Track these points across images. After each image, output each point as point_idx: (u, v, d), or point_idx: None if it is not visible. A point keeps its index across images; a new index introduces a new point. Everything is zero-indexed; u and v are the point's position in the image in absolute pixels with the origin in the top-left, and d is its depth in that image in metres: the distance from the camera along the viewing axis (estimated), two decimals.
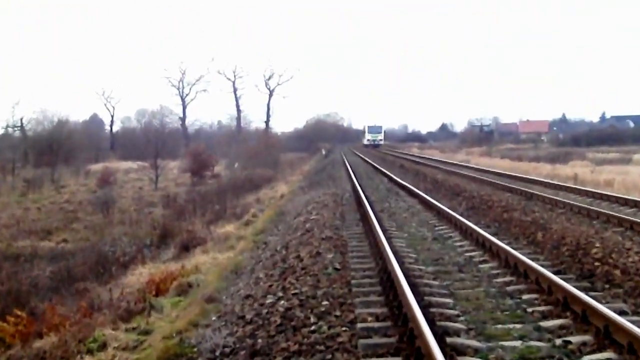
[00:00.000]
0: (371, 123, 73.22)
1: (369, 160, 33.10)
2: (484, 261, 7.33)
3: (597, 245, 7.45)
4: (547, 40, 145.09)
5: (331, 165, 31.88)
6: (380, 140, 68.15)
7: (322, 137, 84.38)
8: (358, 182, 17.83)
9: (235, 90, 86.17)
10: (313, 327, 4.84)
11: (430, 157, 39.28)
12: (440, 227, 10.13)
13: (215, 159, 49.76)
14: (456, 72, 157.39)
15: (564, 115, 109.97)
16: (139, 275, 12.47)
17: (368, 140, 67.87)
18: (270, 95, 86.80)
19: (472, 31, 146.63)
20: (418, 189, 15.68)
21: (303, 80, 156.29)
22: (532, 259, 6.84)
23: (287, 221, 13.04)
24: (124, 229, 25.09)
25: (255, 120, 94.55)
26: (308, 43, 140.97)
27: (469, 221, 9.78)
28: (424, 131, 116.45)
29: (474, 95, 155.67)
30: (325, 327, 4.82)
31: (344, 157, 38.85)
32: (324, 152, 55.97)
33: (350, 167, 26.87)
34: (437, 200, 12.91)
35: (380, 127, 71.04)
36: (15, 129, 59.55)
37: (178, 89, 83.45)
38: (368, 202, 12.53)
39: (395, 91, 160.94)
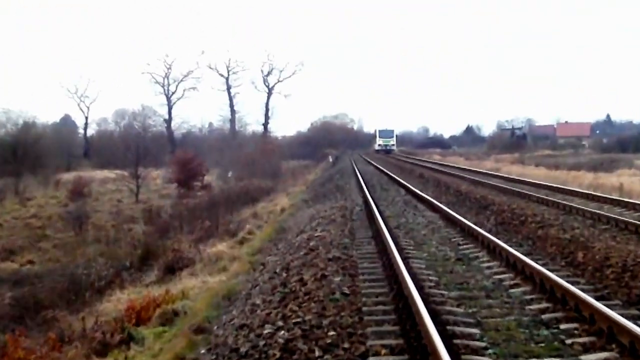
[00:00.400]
0: (382, 127, 75.25)
1: (384, 169, 33.16)
2: (516, 285, 7.31)
3: None
4: (587, 35, 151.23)
5: (339, 175, 32.06)
6: (393, 145, 70.50)
7: (329, 141, 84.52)
8: (370, 194, 17.99)
9: (229, 88, 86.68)
10: None
11: (453, 164, 39.22)
12: (465, 246, 10.16)
13: (205, 168, 49.92)
14: (483, 70, 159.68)
15: (608, 117, 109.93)
16: (117, 302, 12.52)
17: (379, 145, 70.18)
18: (269, 93, 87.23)
19: (499, 26, 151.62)
20: (439, 202, 15.75)
21: (307, 77, 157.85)
22: (572, 283, 6.83)
23: (288, 239, 13.11)
24: (100, 248, 25.17)
25: (252, 123, 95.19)
26: (310, 39, 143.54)
27: (498, 239, 9.80)
28: (446, 135, 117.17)
29: (504, 94, 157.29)
30: None
31: (354, 165, 38.91)
32: (331, 160, 56.17)
33: (362, 176, 27.13)
34: (461, 215, 12.97)
35: (392, 131, 73.23)
36: None
37: (163, 86, 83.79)
38: (382, 217, 12.62)
39: (414, 91, 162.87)
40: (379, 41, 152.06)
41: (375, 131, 75.05)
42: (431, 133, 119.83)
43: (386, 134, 71.82)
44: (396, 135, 75.48)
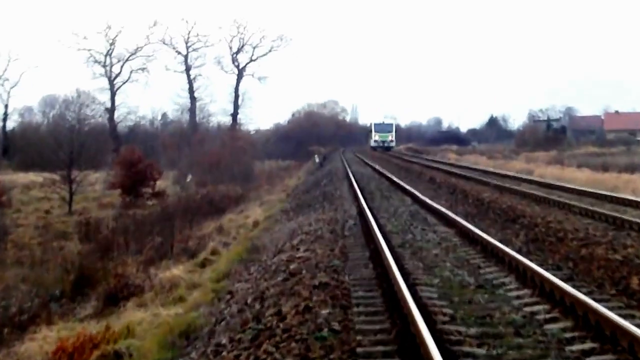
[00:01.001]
0: (379, 119, 78.86)
1: (384, 171, 33.42)
2: (553, 320, 7.35)
3: None
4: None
5: (328, 179, 32.34)
6: (391, 141, 73.83)
7: (315, 137, 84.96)
8: (367, 204, 18.16)
9: (188, 68, 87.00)
10: None
11: (473, 166, 39.53)
12: (488, 269, 10.27)
13: (157, 170, 49.79)
14: (510, 48, 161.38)
15: None
16: (43, 341, 12.38)
17: (375, 141, 73.56)
18: (240, 76, 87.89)
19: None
20: (455, 214, 15.96)
21: (288, 56, 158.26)
22: (624, 317, 6.86)
23: (262, 261, 13.20)
24: (22, 272, 24.90)
25: (217, 113, 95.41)
26: (292, 7, 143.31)
27: (530, 260, 9.88)
28: (464, 128, 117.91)
29: (536, 78, 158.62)
30: None
31: (347, 166, 39.30)
32: (317, 160, 56.77)
33: (356, 181, 27.40)
34: (483, 230, 13.12)
35: (391, 124, 76.99)
36: None
37: (104, 66, 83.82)
38: (382, 232, 12.74)
39: (422, 75, 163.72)
40: (380, 12, 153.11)
41: (371, 125, 77.57)
42: (445, 125, 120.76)
43: (383, 127, 74.75)
44: (396, 129, 78.49)
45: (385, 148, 71.47)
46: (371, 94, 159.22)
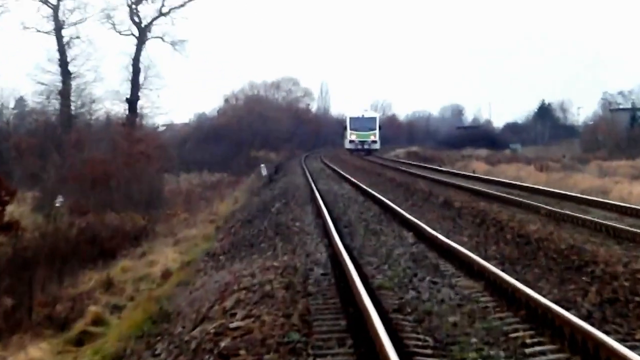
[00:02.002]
0: (357, 112, 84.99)
1: (371, 190, 33.52)
2: None
3: None
4: None
5: (283, 201, 32.82)
6: (373, 141, 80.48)
7: (262, 135, 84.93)
8: (344, 242, 18.39)
9: (58, 27, 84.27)
10: None
11: (513, 182, 39.72)
12: (540, 348, 10.15)
13: (7, 189, 49.02)
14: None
15: None
16: None
17: (351, 142, 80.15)
18: (142, 39, 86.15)
19: None
20: (484, 258, 16.18)
21: (219, 12, 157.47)
22: None
23: (176, 335, 13.39)
24: None
25: (106, 97, 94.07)
26: None
27: (606, 333, 9.82)
28: (499, 121, 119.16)
29: (612, 47, 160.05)
30: None
31: (312, 182, 39.93)
32: (265, 172, 57.38)
33: (326, 204, 27.94)
34: (529, 284, 13.18)
35: (373, 119, 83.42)
36: None
37: None
38: (367, 287, 12.84)
39: (431, 48, 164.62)
40: None
41: (346, 119, 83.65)
42: (468, 118, 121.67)
43: (363, 124, 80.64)
44: (379, 126, 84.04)
45: (365, 151, 75.99)
46: (349, 73, 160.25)
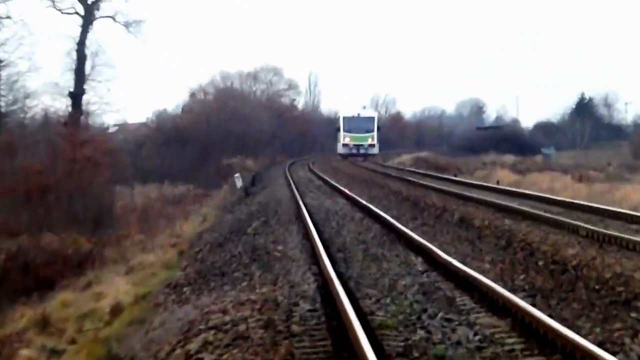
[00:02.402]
0: (352, 110, 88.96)
1: (370, 206, 33.56)
2: None
3: None
4: None
5: (261, 220, 32.75)
6: (371, 145, 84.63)
7: (236, 138, 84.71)
8: (336, 270, 18.35)
9: None
10: None
11: (545, 193, 39.87)
12: None
13: None
14: None
15: None
16: None
17: (345, 145, 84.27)
18: (89, 19, 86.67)
19: None
20: (510, 290, 16.10)
21: None
22: None
23: None
24: None
25: (43, 91, 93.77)
26: None
27: None
28: (528, 120, 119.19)
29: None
30: None
31: (298, 195, 40.46)
32: (240, 183, 57.61)
33: (315, 223, 28.05)
34: (565, 322, 13.30)
35: (371, 118, 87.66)
36: None
37: None
38: (365, 327, 12.74)
39: (441, 32, 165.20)
40: None
41: (339, 119, 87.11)
42: (490, 116, 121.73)
43: (358, 124, 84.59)
44: (379, 127, 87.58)
45: (361, 156, 79.49)
46: (343, 62, 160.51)
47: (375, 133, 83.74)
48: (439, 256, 20.16)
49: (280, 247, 24.32)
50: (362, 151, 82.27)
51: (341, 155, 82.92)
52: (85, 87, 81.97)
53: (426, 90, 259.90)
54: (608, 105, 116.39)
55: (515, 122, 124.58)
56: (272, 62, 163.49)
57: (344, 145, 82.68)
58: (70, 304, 26.82)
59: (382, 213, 30.64)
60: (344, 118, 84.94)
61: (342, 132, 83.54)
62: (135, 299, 24.25)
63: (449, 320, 14.33)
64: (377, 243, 24.55)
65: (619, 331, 13.18)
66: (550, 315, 13.34)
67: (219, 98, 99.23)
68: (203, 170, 72.43)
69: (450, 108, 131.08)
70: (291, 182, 51.70)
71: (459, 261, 19.05)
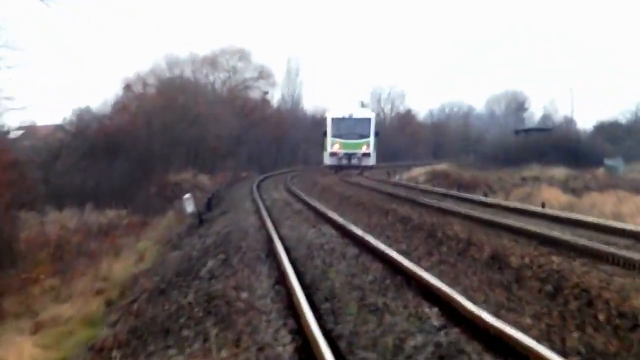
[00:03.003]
0: (343, 110, 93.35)
1: (369, 239, 33.43)
2: None
3: None
4: None
5: (219, 256, 32.89)
6: (365, 154, 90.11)
7: (188, 144, 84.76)
8: (322, 326, 18.21)
9: None
10: None
11: (609, 221, 39.62)
12: None
13: None
14: None
15: None
16: None
17: (333, 154, 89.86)
18: None
19: None
20: (559, 352, 16.03)
21: None
22: None
23: None
24: None
25: None
26: None
27: None
28: (585, 121, 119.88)
29: None
30: None
31: (270, 221, 41.25)
32: (191, 208, 59.64)
33: (293, 262, 27.86)
34: None
35: (367, 120, 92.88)
36: None
37: None
38: None
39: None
40: None
41: (327, 121, 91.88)
42: (536, 115, 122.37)
43: (350, 127, 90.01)
44: (377, 131, 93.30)
45: (354, 167, 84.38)
46: (332, 44, 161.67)
47: (371, 139, 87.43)
48: (463, 307, 19.59)
49: (245, 295, 23.83)
50: (354, 161, 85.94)
51: (329, 167, 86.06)
52: None
53: (446, 83, 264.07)
54: None
55: (570, 122, 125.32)
56: (236, 44, 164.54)
57: (332, 154, 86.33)
58: None
59: (384, 248, 30.34)
60: (332, 120, 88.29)
61: (329, 138, 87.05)
62: None
63: None
64: (377, 289, 24.03)
65: None
66: None
67: (163, 91, 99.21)
68: (140, 190, 71.92)
69: (479, 104, 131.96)
70: (260, 205, 51.67)
71: (489, 313, 18.88)
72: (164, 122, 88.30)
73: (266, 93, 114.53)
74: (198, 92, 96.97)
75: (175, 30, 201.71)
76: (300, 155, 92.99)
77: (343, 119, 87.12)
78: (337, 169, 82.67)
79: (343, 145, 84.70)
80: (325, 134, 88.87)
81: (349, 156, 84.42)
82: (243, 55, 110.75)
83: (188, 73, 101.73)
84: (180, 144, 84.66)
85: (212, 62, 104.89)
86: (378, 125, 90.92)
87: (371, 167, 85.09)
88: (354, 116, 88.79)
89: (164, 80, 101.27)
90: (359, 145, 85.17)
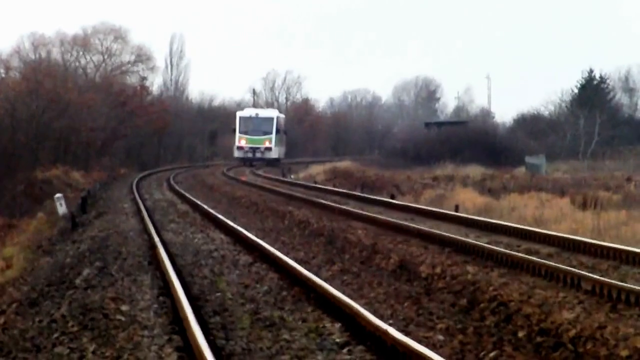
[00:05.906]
0: (250, 110, 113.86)
1: (271, 248, 33.58)
2: None
3: None
4: None
5: (96, 263, 33.49)
6: (268, 149, 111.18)
7: (58, 137, 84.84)
8: (212, 343, 19.05)
9: None
10: None
11: (530, 226, 40.63)
12: None
13: None
14: None
15: None
16: None
17: (240, 148, 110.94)
18: None
19: None
20: None
21: None
22: None
23: None
24: None
25: None
26: None
27: None
28: (504, 115, 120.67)
29: None
30: None
31: (152, 224, 42.75)
32: (63, 209, 62.13)
33: (177, 269, 28.88)
34: None
35: (270, 119, 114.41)
36: None
37: None
38: None
39: None
40: None
41: (236, 119, 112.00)
42: (449, 106, 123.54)
43: (256, 125, 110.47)
44: (284, 130, 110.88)
45: (258, 160, 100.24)
46: (225, 27, 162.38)
47: (273, 136, 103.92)
48: (369, 321, 20.03)
49: (125, 308, 23.76)
50: (258, 155, 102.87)
51: (240, 159, 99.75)
52: None
53: (349, 68, 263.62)
54: (629, 89, 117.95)
55: (486, 114, 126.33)
56: (111, 20, 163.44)
57: (239, 148, 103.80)
58: None
59: (281, 255, 30.40)
60: (240, 118, 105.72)
61: (237, 134, 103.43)
62: None
63: None
64: (273, 301, 24.33)
65: None
66: None
67: (28, 76, 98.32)
68: (4, 189, 71.49)
69: (386, 93, 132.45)
70: (141, 206, 51.63)
71: (397, 329, 19.10)
72: (29, 112, 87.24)
73: (144, 79, 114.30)
74: (67, 78, 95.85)
75: (40, 3, 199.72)
76: (185, 150, 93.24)
77: (250, 117, 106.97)
78: (245, 161, 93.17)
79: (248, 141, 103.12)
80: (234, 130, 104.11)
81: (254, 150, 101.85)
82: (119, 35, 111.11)
83: (57, 55, 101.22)
84: (48, 137, 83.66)
85: (83, 42, 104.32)
86: (286, 123, 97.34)
87: (276, 160, 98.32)
88: (260, 115, 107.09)
89: (28, 63, 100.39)
90: (262, 141, 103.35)
